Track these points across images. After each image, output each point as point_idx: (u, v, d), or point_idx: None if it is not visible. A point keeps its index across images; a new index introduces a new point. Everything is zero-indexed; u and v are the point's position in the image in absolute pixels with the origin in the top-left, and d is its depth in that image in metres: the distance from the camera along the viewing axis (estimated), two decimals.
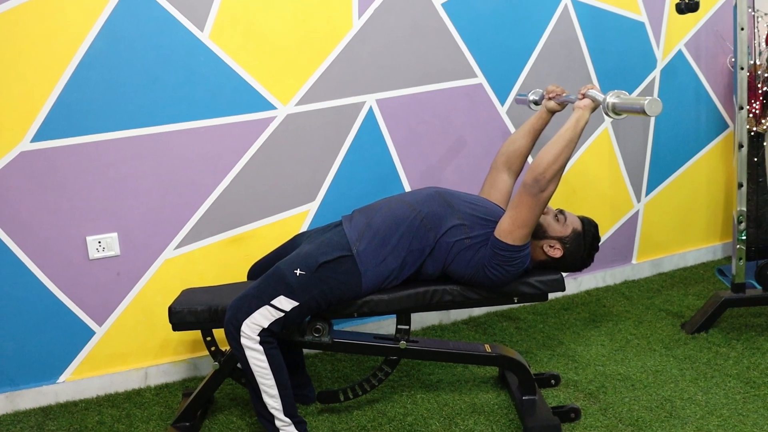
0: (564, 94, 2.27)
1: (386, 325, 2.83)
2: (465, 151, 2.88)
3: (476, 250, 2.01)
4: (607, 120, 3.14)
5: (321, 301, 1.96)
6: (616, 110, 1.94)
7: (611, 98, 1.94)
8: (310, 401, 2.27)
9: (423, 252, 2.03)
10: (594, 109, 2.03)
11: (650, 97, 1.82)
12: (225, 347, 2.19)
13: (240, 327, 1.88)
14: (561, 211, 2.15)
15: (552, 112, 2.29)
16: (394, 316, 2.33)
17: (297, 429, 1.95)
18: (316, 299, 1.95)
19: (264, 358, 1.89)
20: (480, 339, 2.74)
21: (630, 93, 3.11)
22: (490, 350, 2.15)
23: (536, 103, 2.46)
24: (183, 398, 2.31)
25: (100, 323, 2.45)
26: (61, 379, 2.44)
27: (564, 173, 2.99)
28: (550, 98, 2.28)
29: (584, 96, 2.04)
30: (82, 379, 2.45)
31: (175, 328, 2.07)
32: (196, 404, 2.10)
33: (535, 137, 2.32)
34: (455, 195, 2.13)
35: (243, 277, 2.51)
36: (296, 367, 2.29)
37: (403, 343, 2.08)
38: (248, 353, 1.89)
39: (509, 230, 1.96)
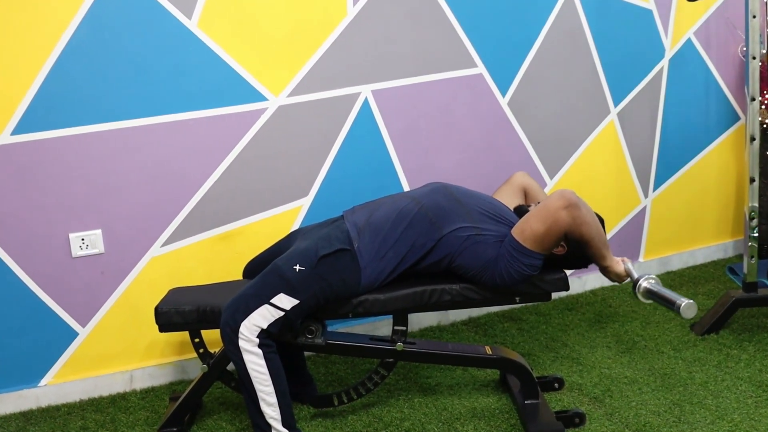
0: None
1: (382, 326, 2.84)
2: (465, 144, 2.88)
3: (488, 245, 2.02)
4: (613, 111, 3.15)
5: (320, 298, 1.95)
6: (646, 296, 2.04)
7: (644, 282, 2.03)
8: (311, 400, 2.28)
9: (425, 246, 2.02)
10: (620, 278, 2.12)
11: (687, 300, 1.90)
12: (214, 349, 2.18)
13: (238, 328, 1.86)
14: None
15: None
16: (391, 316, 2.34)
17: None
18: (316, 296, 1.94)
19: (263, 362, 1.87)
20: (480, 340, 2.74)
21: (637, 84, 3.21)
22: (490, 352, 2.16)
23: None
24: (170, 402, 2.31)
25: (83, 324, 2.44)
26: (43, 382, 2.43)
27: (568, 167, 3.10)
28: None
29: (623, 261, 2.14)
30: (64, 382, 2.45)
31: (161, 329, 2.06)
32: (184, 409, 2.10)
33: None
34: (462, 191, 2.14)
35: (233, 276, 2.54)
36: (297, 367, 2.29)
37: (399, 345, 2.09)
38: (246, 357, 1.86)
39: (521, 228, 1.99)
